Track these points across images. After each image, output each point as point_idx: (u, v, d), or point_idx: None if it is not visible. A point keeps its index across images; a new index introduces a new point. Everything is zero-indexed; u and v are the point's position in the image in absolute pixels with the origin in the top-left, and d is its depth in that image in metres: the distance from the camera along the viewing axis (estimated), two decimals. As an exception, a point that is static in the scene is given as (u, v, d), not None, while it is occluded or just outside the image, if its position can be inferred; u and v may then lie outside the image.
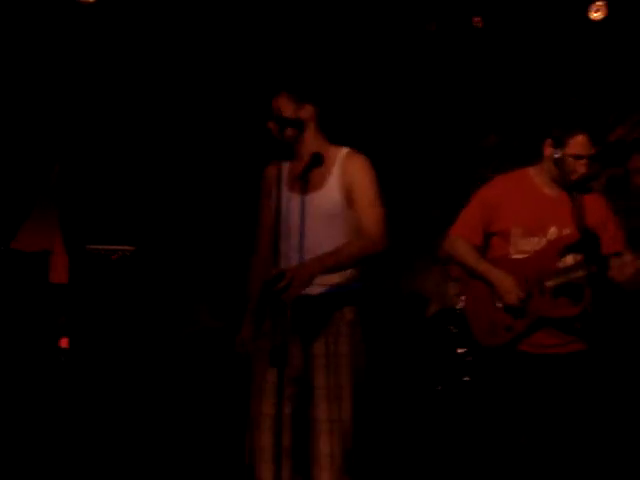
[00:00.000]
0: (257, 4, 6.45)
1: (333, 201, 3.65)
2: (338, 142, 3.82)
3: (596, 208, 3.91)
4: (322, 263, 3.51)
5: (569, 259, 3.85)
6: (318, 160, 3.64)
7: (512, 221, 3.92)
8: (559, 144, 3.85)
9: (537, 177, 4.01)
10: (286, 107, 3.70)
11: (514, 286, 3.83)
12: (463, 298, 4.16)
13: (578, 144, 3.82)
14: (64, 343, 5.82)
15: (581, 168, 3.84)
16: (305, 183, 3.67)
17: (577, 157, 3.82)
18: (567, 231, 3.87)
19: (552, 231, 3.89)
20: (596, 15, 6.04)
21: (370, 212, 3.65)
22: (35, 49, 6.31)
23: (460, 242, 4.05)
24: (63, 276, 6.33)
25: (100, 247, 6.38)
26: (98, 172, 7.14)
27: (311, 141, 3.73)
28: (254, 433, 3.64)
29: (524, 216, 3.91)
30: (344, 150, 3.74)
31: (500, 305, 3.90)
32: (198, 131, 7.43)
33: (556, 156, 3.85)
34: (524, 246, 3.92)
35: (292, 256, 3.62)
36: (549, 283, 3.82)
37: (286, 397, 3.51)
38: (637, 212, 3.94)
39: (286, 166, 3.78)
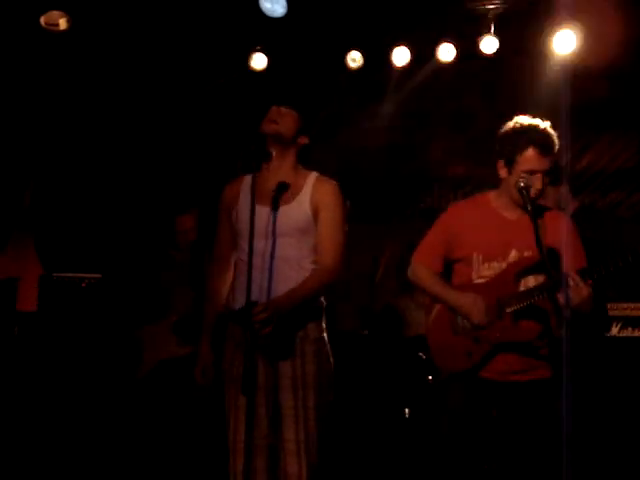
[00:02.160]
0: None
1: (304, 215, 3.69)
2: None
3: (556, 227, 3.88)
4: (290, 301, 3.56)
5: (530, 281, 3.86)
6: (284, 188, 3.69)
7: (473, 247, 3.92)
8: (510, 163, 3.85)
9: (496, 201, 3.99)
10: (290, 126, 3.74)
11: (481, 305, 3.82)
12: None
13: (528, 159, 3.80)
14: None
15: (537, 183, 3.80)
16: (276, 200, 3.69)
17: (530, 172, 3.80)
18: (528, 253, 3.85)
19: (513, 255, 3.88)
20: None
21: (330, 238, 3.70)
22: (9, 73, 6.32)
23: (422, 269, 4.05)
24: (32, 303, 6.26)
25: (68, 275, 6.33)
26: (68, 197, 7.14)
27: (288, 164, 3.77)
28: (232, 459, 3.66)
29: (484, 241, 3.90)
30: (314, 174, 3.80)
31: (462, 328, 3.88)
32: (169, 159, 7.46)
33: (510, 175, 3.84)
34: (485, 271, 3.91)
35: (262, 269, 3.62)
36: (509, 308, 3.81)
37: (259, 420, 3.57)
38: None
39: (248, 180, 3.76)
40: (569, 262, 3.77)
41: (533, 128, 3.84)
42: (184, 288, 5.56)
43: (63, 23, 6.08)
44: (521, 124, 3.88)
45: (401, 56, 6.88)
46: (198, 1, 6.37)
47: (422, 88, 7.22)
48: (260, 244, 3.58)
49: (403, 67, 6.96)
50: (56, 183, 7.03)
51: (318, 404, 3.65)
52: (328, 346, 3.78)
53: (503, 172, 3.90)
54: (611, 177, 6.76)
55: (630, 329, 4.39)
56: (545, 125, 3.85)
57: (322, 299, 3.80)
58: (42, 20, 6.07)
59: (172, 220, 5.76)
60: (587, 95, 6.64)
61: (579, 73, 6.34)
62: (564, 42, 6.31)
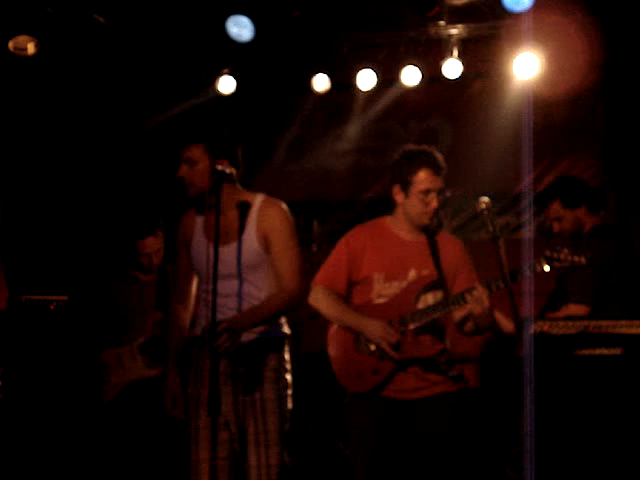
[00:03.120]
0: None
1: (253, 250, 3.69)
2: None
3: (451, 249, 4.04)
4: (251, 318, 3.60)
5: (429, 298, 3.98)
6: (246, 208, 3.68)
7: (374, 267, 4.00)
8: (406, 186, 3.97)
9: (393, 224, 4.09)
10: (199, 172, 3.70)
11: (386, 330, 3.88)
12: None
13: (422, 179, 3.93)
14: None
15: (432, 202, 3.94)
16: (242, 226, 3.69)
17: (425, 192, 3.93)
18: (426, 272, 3.98)
19: (412, 274, 3.98)
20: None
21: (286, 261, 3.70)
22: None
23: (323, 292, 4.08)
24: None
25: (36, 297, 6.30)
26: (33, 219, 7.12)
27: (227, 191, 3.69)
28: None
29: (385, 261, 4.00)
30: (259, 197, 3.77)
31: (367, 347, 3.94)
32: (134, 181, 7.47)
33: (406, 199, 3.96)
34: (385, 290, 3.99)
35: (220, 303, 3.62)
36: (411, 324, 3.91)
37: (220, 442, 3.59)
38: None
39: (200, 216, 3.80)
40: (464, 283, 3.94)
41: (422, 151, 4.00)
42: (150, 309, 5.57)
43: (31, 47, 6.09)
44: (410, 149, 4.04)
45: (366, 79, 6.97)
46: (165, 25, 6.42)
47: (387, 110, 7.31)
48: (218, 278, 3.56)
49: (369, 90, 7.05)
50: (21, 205, 7.00)
51: (280, 429, 3.68)
52: (288, 377, 3.79)
53: (400, 197, 4.02)
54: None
55: (603, 347, 4.46)
56: (432, 149, 4.02)
57: (285, 329, 3.82)
58: (10, 45, 6.08)
59: (134, 243, 5.75)
60: (548, 117, 6.76)
61: (541, 96, 6.46)
62: (526, 66, 6.42)
